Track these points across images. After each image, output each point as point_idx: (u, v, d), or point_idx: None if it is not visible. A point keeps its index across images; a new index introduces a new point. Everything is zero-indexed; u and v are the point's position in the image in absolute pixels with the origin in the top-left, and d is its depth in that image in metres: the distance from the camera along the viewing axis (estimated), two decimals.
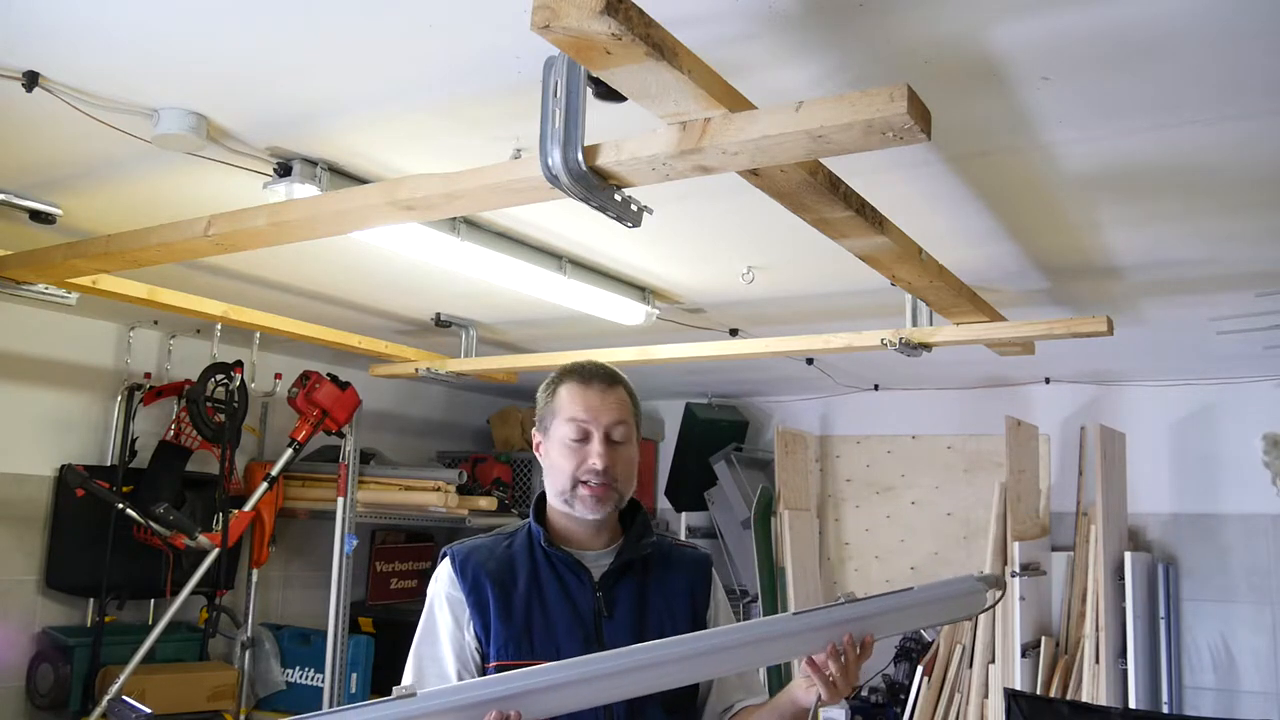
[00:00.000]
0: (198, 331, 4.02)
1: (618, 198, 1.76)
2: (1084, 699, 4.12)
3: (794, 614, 1.54)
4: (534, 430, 1.74)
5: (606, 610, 1.63)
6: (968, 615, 1.64)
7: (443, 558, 1.68)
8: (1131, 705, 4.11)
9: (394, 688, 1.36)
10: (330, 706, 3.93)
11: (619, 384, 1.69)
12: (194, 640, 4.02)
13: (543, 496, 1.73)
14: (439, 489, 4.38)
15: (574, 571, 1.64)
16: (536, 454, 1.73)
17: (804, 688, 1.54)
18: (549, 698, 1.39)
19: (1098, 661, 4.20)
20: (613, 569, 1.66)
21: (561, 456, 1.64)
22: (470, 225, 2.63)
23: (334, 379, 4.12)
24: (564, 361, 3.88)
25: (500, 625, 1.59)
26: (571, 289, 3.03)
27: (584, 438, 1.63)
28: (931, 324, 3.12)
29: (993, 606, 1.61)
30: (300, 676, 4.23)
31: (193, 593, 3.81)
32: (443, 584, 1.65)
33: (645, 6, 1.31)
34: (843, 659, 1.48)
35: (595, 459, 1.61)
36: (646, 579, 1.68)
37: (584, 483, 1.62)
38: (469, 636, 1.60)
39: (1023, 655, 4.23)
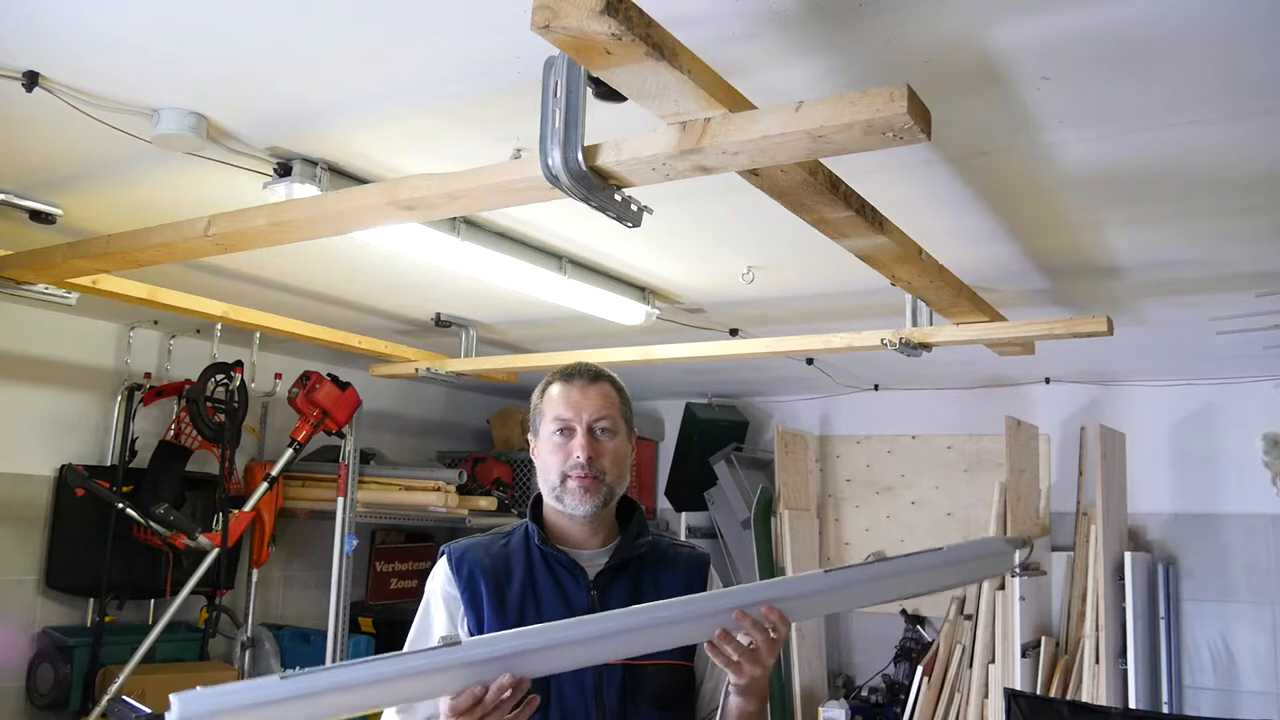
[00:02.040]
0: (198, 331, 4.02)
1: (618, 198, 1.76)
2: (1084, 699, 4.12)
3: (825, 571, 1.54)
4: (529, 435, 1.76)
5: (600, 609, 1.63)
6: (995, 574, 1.63)
7: (440, 555, 1.70)
8: (1131, 705, 4.11)
9: (440, 636, 1.38)
10: None
11: (602, 380, 1.71)
12: (194, 640, 4.02)
13: (540, 497, 1.75)
14: (439, 489, 4.38)
15: (568, 570, 1.65)
16: (532, 457, 1.75)
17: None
18: (548, 657, 1.39)
19: (1098, 661, 4.20)
20: (607, 568, 1.67)
21: (549, 454, 1.67)
22: (470, 225, 2.63)
23: (334, 379, 4.12)
24: (564, 362, 3.90)
25: (494, 622, 1.60)
26: (571, 289, 3.03)
27: (568, 434, 1.65)
28: (931, 324, 3.12)
29: (1020, 565, 1.60)
30: None
31: (193, 593, 3.81)
32: (439, 581, 1.67)
33: (645, 6, 1.31)
34: (746, 640, 1.42)
35: (579, 451, 1.63)
36: (641, 578, 1.69)
37: (571, 476, 1.63)
38: (464, 633, 1.61)
39: (1023, 655, 4.23)
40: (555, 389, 1.70)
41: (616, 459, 1.67)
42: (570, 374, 1.71)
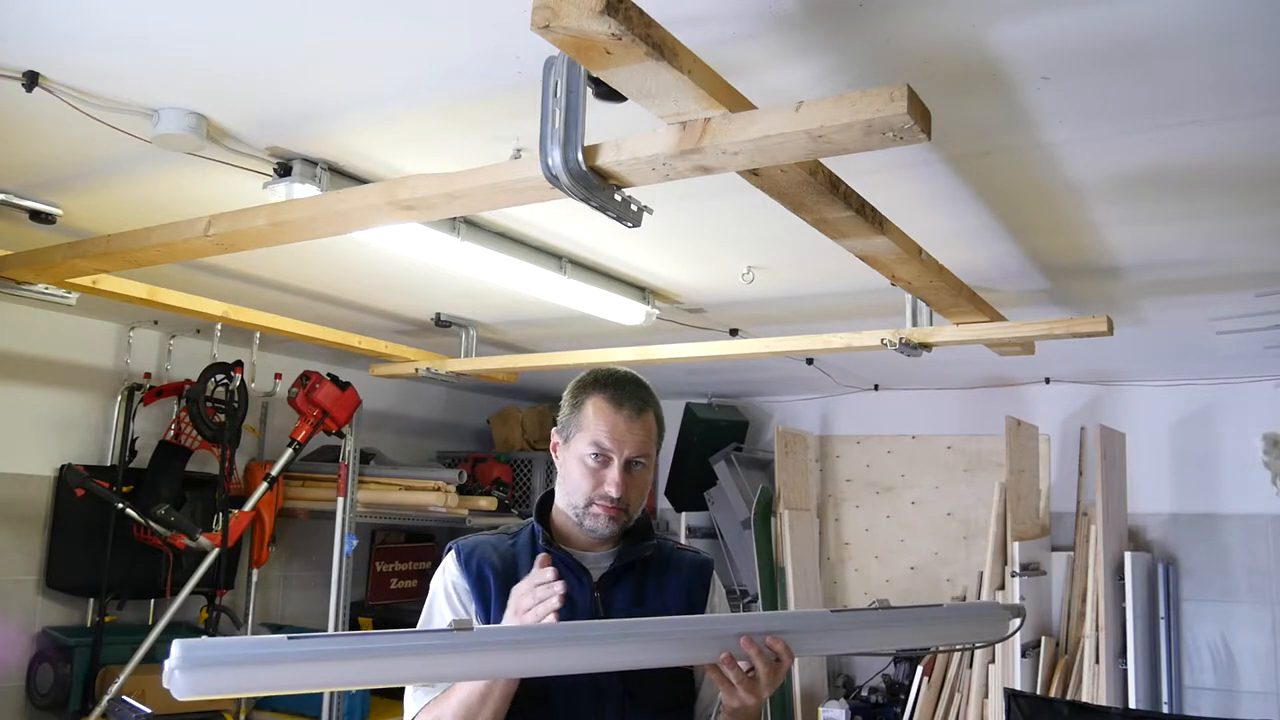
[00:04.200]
0: (198, 331, 4.02)
1: (618, 198, 1.76)
2: (1084, 699, 4.12)
3: (832, 611, 1.57)
4: (555, 431, 1.73)
5: (603, 611, 1.63)
6: (989, 642, 1.68)
7: (448, 551, 1.70)
8: (1131, 705, 4.11)
9: (452, 620, 1.37)
10: (330, 707, 3.93)
11: (648, 410, 1.67)
12: None
13: (547, 496, 1.74)
14: (439, 489, 4.38)
15: (573, 572, 1.65)
16: (553, 454, 1.73)
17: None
18: (554, 653, 1.41)
19: (1098, 661, 4.20)
20: (612, 570, 1.66)
21: (579, 474, 1.64)
22: (470, 225, 2.63)
23: (334, 379, 4.12)
24: (565, 362, 3.91)
25: (499, 619, 1.60)
26: (571, 289, 3.03)
27: (603, 461, 1.63)
28: (931, 324, 3.12)
29: (1012, 635, 1.64)
30: None
31: (193, 593, 3.81)
32: (449, 574, 1.67)
33: (645, 6, 1.31)
34: (745, 666, 1.44)
35: (611, 487, 1.62)
36: (645, 581, 1.69)
37: (597, 503, 1.63)
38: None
39: (1023, 655, 4.23)
40: (602, 406, 1.65)
41: (642, 491, 1.67)
42: (620, 398, 1.65)
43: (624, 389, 1.67)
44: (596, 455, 1.63)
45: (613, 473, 1.62)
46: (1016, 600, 4.25)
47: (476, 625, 1.37)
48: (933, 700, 4.49)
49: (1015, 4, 1.50)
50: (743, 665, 1.44)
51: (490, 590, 1.62)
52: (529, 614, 1.45)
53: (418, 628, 1.64)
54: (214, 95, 1.94)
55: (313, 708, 4.02)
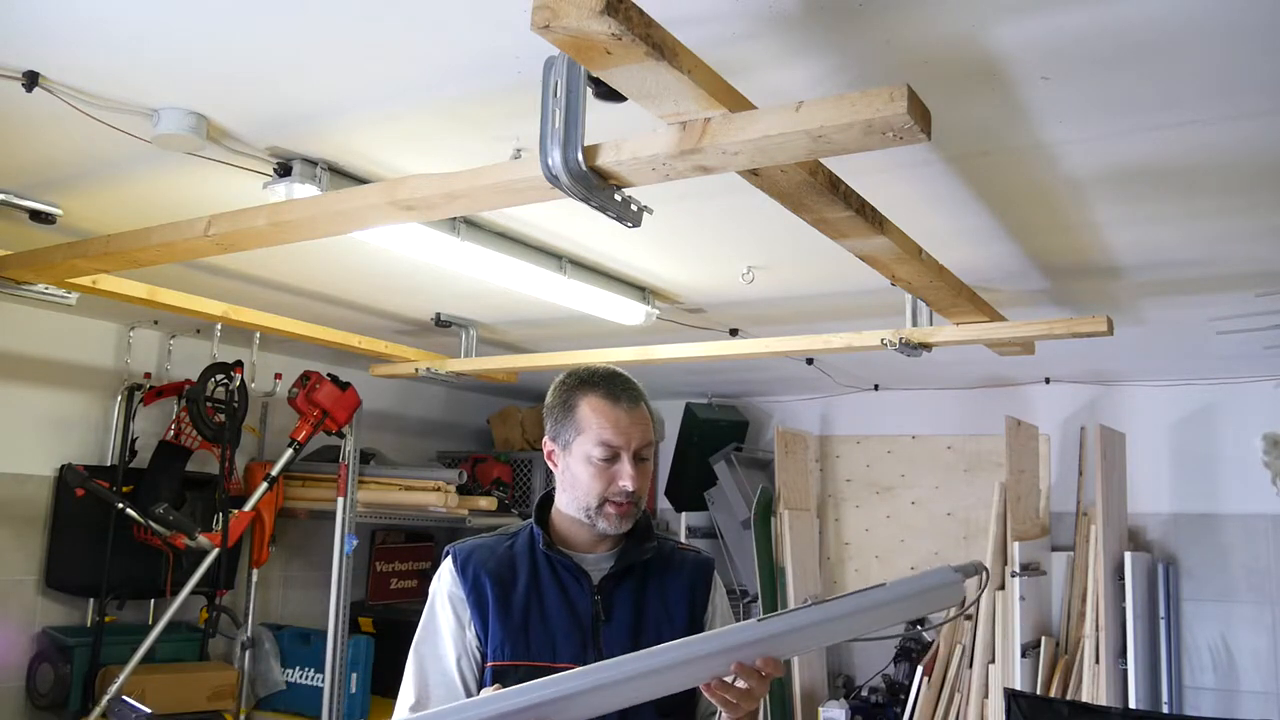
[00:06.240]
0: (198, 331, 4.02)
1: (618, 198, 1.76)
2: (1084, 699, 4.12)
3: (758, 620, 1.48)
4: (548, 440, 1.70)
5: (604, 614, 1.63)
6: (949, 606, 1.57)
7: (445, 556, 1.69)
8: (1131, 705, 4.11)
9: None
10: (330, 706, 3.93)
11: (642, 399, 1.67)
12: (194, 640, 4.02)
13: (546, 498, 1.74)
14: (439, 489, 4.38)
15: (573, 575, 1.65)
16: (549, 463, 1.71)
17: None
18: (578, 704, 1.36)
19: (1098, 661, 4.20)
20: (612, 573, 1.66)
21: (589, 476, 1.62)
22: (470, 225, 2.63)
23: (334, 379, 4.13)
24: (565, 362, 3.91)
25: (498, 625, 1.59)
26: (571, 289, 3.03)
27: (613, 459, 1.62)
28: (931, 324, 3.12)
29: (978, 598, 1.53)
30: (300, 676, 4.23)
31: (193, 593, 3.81)
32: (445, 582, 1.66)
33: (645, 6, 1.31)
34: (738, 683, 1.42)
35: (627, 481, 1.61)
36: (646, 583, 1.68)
37: (611, 502, 1.62)
38: (471, 635, 1.61)
39: (1023, 655, 4.23)
40: (599, 404, 1.63)
41: (648, 480, 1.67)
42: (615, 392, 1.64)
43: (614, 383, 1.66)
44: (606, 453, 1.61)
45: (625, 467, 1.61)
46: (1016, 600, 4.25)
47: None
48: (933, 700, 4.49)
49: (1015, 4, 1.50)
50: (741, 685, 1.43)
51: (487, 597, 1.61)
52: None
53: (419, 636, 1.64)
54: (214, 95, 1.94)
55: (313, 707, 4.03)
